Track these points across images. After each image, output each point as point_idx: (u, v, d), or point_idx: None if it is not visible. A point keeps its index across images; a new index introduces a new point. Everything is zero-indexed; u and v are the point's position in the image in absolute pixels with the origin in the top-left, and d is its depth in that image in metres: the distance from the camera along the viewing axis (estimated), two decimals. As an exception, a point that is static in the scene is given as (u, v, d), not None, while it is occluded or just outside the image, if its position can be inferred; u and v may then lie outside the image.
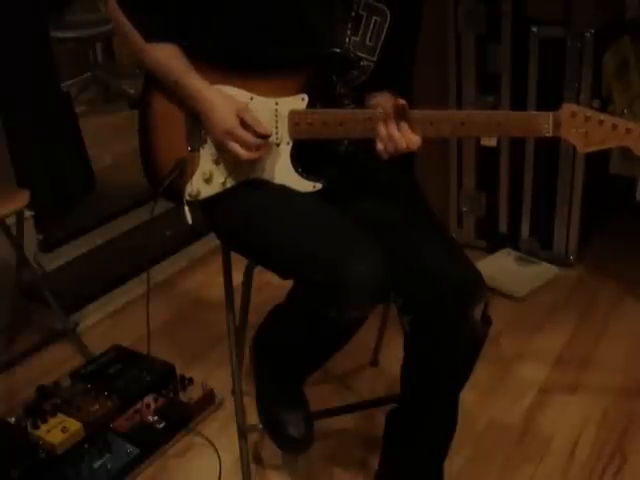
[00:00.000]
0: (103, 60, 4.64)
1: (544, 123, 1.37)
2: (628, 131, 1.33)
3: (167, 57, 1.53)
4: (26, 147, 2.76)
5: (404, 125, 1.41)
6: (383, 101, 1.53)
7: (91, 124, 3.78)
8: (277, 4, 1.48)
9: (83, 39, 4.28)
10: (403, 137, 1.41)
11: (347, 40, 1.52)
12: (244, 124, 1.48)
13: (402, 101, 1.40)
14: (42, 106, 2.87)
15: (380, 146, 1.44)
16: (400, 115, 1.41)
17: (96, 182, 3.22)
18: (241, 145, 1.48)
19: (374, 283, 1.38)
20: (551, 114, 1.37)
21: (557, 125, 1.36)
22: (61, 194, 2.98)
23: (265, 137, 1.49)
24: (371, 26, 1.53)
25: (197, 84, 1.51)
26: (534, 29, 2.48)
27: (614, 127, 1.34)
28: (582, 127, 1.35)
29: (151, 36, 1.54)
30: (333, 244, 1.42)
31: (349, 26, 1.51)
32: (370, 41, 1.54)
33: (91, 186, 3.19)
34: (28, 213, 2.56)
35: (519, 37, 2.52)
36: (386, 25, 1.53)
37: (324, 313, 1.47)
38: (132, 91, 4.26)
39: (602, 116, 1.35)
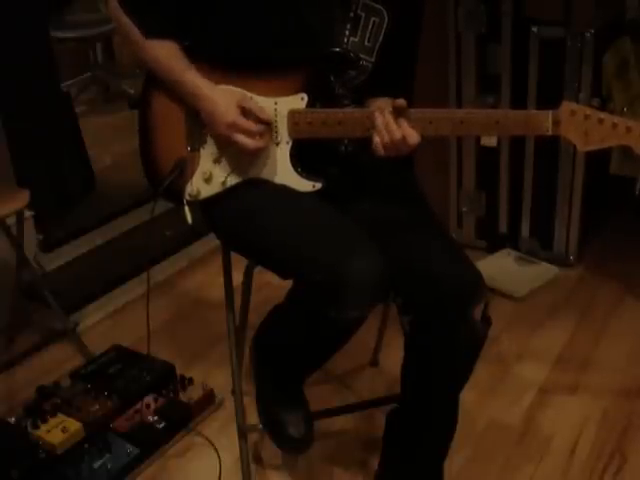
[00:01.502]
0: (103, 60, 4.63)
1: (544, 121, 1.36)
2: (628, 130, 1.32)
3: (167, 56, 1.54)
4: (26, 147, 2.76)
5: (403, 121, 1.40)
6: (383, 105, 1.53)
7: (91, 124, 3.78)
8: (276, 4, 1.48)
9: (83, 39, 4.28)
10: (400, 129, 1.40)
11: (346, 40, 1.52)
12: (245, 113, 1.48)
13: (401, 100, 1.40)
14: (42, 106, 2.87)
15: (376, 139, 1.42)
16: (399, 115, 1.41)
17: (96, 182, 3.22)
18: (245, 134, 1.48)
19: (373, 283, 1.38)
20: (550, 112, 1.36)
21: (556, 123, 1.36)
22: (61, 194, 2.98)
23: (267, 123, 1.49)
24: (369, 27, 1.53)
25: (197, 82, 1.51)
26: (534, 29, 2.48)
27: (614, 126, 1.33)
28: (582, 125, 1.35)
29: (151, 34, 1.54)
30: (332, 244, 1.42)
31: (348, 26, 1.52)
32: (369, 42, 1.54)
33: (91, 186, 3.19)
34: (28, 213, 2.56)
35: (519, 37, 2.52)
36: (384, 26, 1.53)
37: (324, 313, 1.47)
38: (132, 91, 4.26)
39: (602, 114, 1.34)
